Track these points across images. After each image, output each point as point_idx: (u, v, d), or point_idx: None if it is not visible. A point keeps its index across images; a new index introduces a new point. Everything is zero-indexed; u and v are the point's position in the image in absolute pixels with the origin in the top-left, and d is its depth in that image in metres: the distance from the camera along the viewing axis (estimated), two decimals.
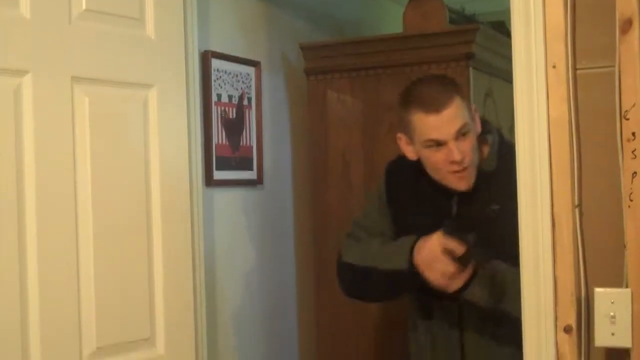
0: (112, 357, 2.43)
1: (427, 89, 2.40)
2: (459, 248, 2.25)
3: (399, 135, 2.46)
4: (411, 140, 2.41)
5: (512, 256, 2.04)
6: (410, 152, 2.45)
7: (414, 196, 2.55)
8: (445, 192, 2.44)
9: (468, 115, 2.36)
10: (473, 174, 2.38)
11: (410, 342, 2.67)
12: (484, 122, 2.50)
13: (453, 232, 2.28)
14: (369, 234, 2.58)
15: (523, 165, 1.93)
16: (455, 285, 2.29)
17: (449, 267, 2.26)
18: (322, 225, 3.66)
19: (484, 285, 2.30)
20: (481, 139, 2.46)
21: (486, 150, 2.47)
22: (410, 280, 2.36)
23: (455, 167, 2.34)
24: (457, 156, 2.30)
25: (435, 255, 2.27)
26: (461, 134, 2.32)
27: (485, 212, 2.39)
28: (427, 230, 2.36)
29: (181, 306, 2.64)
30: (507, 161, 2.12)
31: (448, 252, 2.26)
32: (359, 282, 2.53)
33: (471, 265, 2.28)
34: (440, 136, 2.31)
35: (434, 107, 2.30)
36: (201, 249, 2.82)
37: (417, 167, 2.49)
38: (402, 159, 2.54)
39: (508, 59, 2.01)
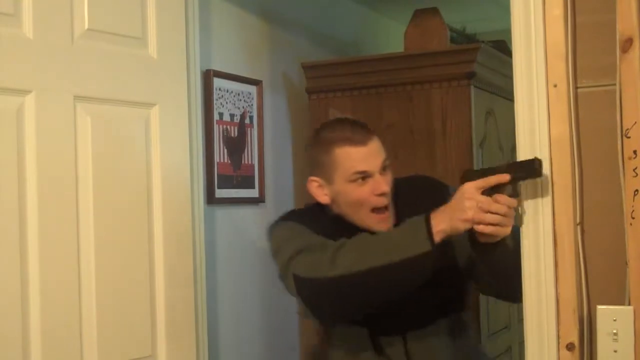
0: None
1: (348, 126, 2.34)
2: (502, 177, 1.98)
3: (311, 179, 2.35)
4: (329, 181, 2.30)
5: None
6: (323, 196, 2.33)
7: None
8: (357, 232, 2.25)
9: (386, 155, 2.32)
10: (392, 216, 2.29)
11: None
12: None
13: (474, 176, 2.07)
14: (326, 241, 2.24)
15: (524, 184, 1.93)
16: (510, 224, 2.01)
17: (509, 202, 1.97)
18: None
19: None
20: None
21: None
22: (432, 262, 2.05)
23: (382, 200, 2.26)
24: (384, 187, 2.25)
25: (482, 201, 2.00)
26: (383, 167, 2.29)
27: None
28: None
29: (183, 323, 2.64)
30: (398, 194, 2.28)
31: (490, 192, 2.01)
32: (359, 293, 2.13)
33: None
34: (368, 167, 2.26)
35: (360, 140, 2.28)
36: (203, 267, 2.82)
37: (315, 213, 2.38)
38: (291, 217, 2.42)
39: (509, 77, 2.02)
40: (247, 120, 3.41)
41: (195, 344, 2.70)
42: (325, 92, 3.67)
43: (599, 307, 1.81)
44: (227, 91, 3.28)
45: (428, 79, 3.46)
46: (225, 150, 3.27)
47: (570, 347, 1.85)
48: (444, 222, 2.03)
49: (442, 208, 2.06)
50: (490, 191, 2.00)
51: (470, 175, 2.08)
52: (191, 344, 2.68)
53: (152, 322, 2.54)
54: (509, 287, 2.07)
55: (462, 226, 2.02)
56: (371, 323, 2.29)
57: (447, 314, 2.35)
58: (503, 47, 3.76)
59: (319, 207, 2.38)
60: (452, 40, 3.75)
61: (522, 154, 1.93)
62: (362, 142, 2.28)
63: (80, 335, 2.33)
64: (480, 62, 3.45)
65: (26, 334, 2.20)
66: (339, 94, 3.65)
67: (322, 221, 2.32)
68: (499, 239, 2.04)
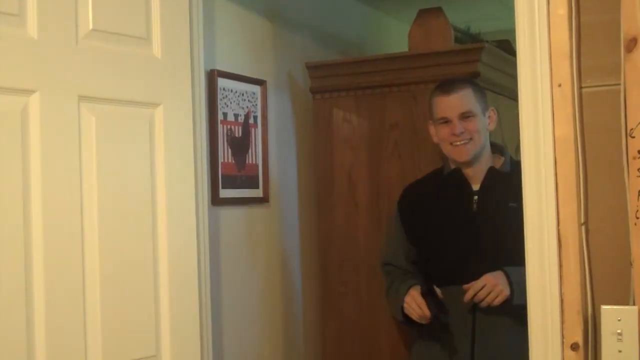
0: None
1: (448, 80, 3.04)
2: (423, 308, 2.88)
3: (429, 122, 3.10)
4: (433, 122, 3.04)
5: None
6: (434, 136, 3.05)
7: (434, 206, 3.07)
8: (466, 190, 2.98)
9: (479, 107, 2.96)
10: (472, 150, 2.94)
11: (421, 349, 3.12)
12: (500, 146, 3.10)
13: (425, 292, 2.90)
14: (394, 268, 3.18)
15: (529, 183, 1.93)
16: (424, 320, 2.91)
17: (415, 311, 2.91)
18: (328, 243, 3.66)
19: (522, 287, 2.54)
20: (496, 154, 3.06)
21: (500, 161, 3.03)
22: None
23: (457, 139, 2.93)
24: (457, 129, 2.92)
25: (409, 304, 2.94)
26: (465, 116, 2.93)
27: (503, 209, 2.79)
28: (449, 229, 3.01)
29: (187, 323, 2.64)
30: (519, 170, 2.47)
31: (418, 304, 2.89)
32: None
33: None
34: (446, 114, 2.95)
35: (445, 91, 2.97)
36: (207, 267, 2.82)
37: (433, 178, 3.16)
38: (410, 187, 3.21)
39: (513, 77, 2.02)
40: (251, 120, 3.41)
41: (199, 344, 2.69)
42: (329, 92, 3.67)
43: (604, 307, 1.81)
44: (231, 91, 3.28)
45: (432, 79, 3.45)
46: (230, 150, 3.27)
47: (574, 347, 1.85)
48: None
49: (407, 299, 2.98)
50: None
51: (424, 289, 2.92)
52: (195, 344, 2.68)
53: (156, 322, 2.53)
54: None
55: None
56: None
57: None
58: (507, 47, 3.75)
59: (440, 169, 3.15)
60: (456, 40, 3.75)
61: (527, 154, 1.93)
62: (447, 93, 2.96)
63: (85, 335, 2.33)
64: (484, 61, 3.44)
65: (30, 334, 2.20)
66: (343, 93, 3.65)
67: (438, 180, 3.12)
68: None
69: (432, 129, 3.07)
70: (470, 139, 2.94)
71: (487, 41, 3.78)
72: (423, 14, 3.69)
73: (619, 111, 1.81)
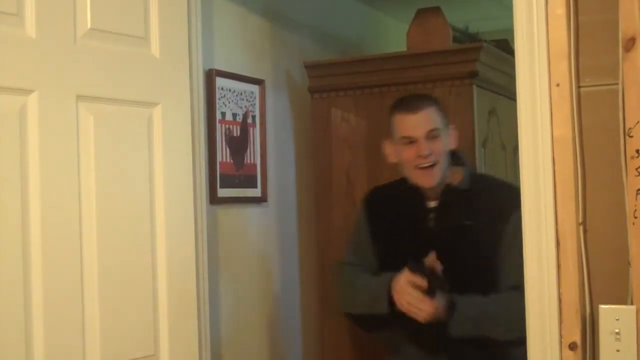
0: None
1: (409, 98, 2.88)
2: (422, 281, 2.60)
3: (386, 141, 2.87)
4: (393, 141, 2.81)
5: (484, 273, 2.63)
6: (391, 156, 2.84)
7: (394, 215, 2.91)
8: (423, 206, 2.82)
9: (441, 126, 2.77)
10: (437, 174, 2.74)
11: None
12: (459, 156, 2.89)
13: (416, 268, 2.64)
14: (359, 265, 2.98)
15: (527, 183, 1.93)
16: (425, 314, 2.61)
17: (414, 297, 2.62)
18: (326, 242, 3.66)
19: (466, 320, 2.61)
20: (455, 168, 2.85)
21: (459, 176, 2.83)
22: (394, 317, 2.71)
23: (422, 161, 2.71)
24: (425, 151, 2.69)
25: (404, 289, 2.63)
26: (432, 135, 2.72)
27: (460, 225, 2.74)
28: (408, 243, 2.82)
29: (185, 323, 2.64)
30: (479, 186, 2.73)
31: (416, 286, 2.62)
32: (363, 322, 2.97)
33: (438, 297, 2.62)
34: (412, 133, 2.73)
35: (412, 109, 2.75)
36: (205, 267, 2.82)
37: (395, 187, 2.92)
38: (376, 189, 3.08)
39: (512, 77, 2.02)
40: (249, 120, 3.41)
41: (197, 344, 2.70)
42: (328, 91, 3.67)
43: (602, 306, 1.81)
44: (230, 90, 3.28)
45: (430, 78, 3.45)
46: (228, 150, 3.26)
47: (572, 346, 1.85)
48: (396, 297, 2.68)
49: (398, 283, 2.68)
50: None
51: (411, 266, 2.67)
52: (193, 343, 2.68)
53: (155, 321, 2.53)
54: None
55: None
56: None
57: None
58: (506, 46, 3.75)
59: (400, 180, 2.89)
60: (455, 39, 3.75)
61: (525, 153, 1.93)
62: (413, 111, 2.75)
63: (83, 335, 2.33)
64: (482, 61, 3.45)
65: (29, 334, 2.20)
66: (341, 93, 3.65)
67: (398, 192, 2.88)
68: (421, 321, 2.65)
69: (388, 149, 2.86)
70: (437, 162, 2.73)
71: (485, 41, 3.78)
72: (421, 13, 3.69)
73: (617, 111, 1.81)
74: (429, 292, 2.62)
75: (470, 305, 2.63)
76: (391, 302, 2.68)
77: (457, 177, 2.83)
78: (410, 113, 2.74)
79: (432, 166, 2.71)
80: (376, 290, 2.74)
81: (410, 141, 2.72)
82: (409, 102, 2.79)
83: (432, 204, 2.80)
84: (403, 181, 2.85)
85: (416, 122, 2.73)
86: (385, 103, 3.53)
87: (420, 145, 2.70)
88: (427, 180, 2.74)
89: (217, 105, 3.20)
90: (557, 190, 1.87)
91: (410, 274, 2.63)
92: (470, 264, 2.71)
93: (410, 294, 2.62)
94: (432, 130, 2.71)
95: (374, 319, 2.80)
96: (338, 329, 3.60)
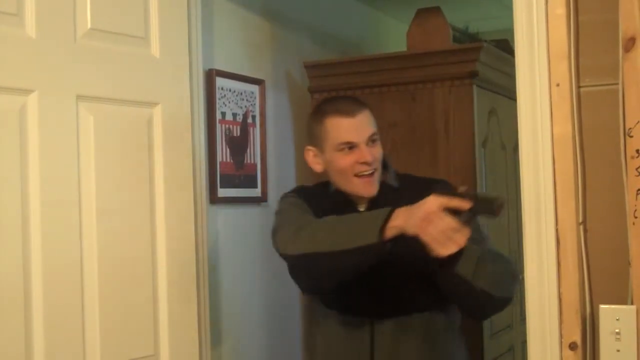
0: None
1: (341, 100, 2.57)
2: (464, 203, 2.05)
3: (308, 148, 2.53)
4: (321, 150, 2.47)
5: (427, 268, 2.22)
6: (317, 165, 2.51)
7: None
8: (351, 207, 2.44)
9: (377, 130, 2.48)
10: (376, 182, 2.43)
11: (315, 335, 2.56)
12: (385, 157, 2.54)
13: (447, 192, 2.12)
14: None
15: (527, 183, 1.93)
16: (454, 247, 2.05)
17: (451, 223, 2.04)
18: None
19: (470, 260, 2.17)
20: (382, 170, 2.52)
21: (385, 176, 2.51)
22: (379, 252, 2.15)
23: (365, 169, 2.40)
24: (368, 157, 2.39)
25: (436, 215, 2.06)
26: (371, 140, 2.43)
27: None
28: None
29: (185, 323, 2.64)
30: (405, 184, 2.49)
31: (452, 211, 2.07)
32: (313, 271, 2.32)
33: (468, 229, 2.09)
34: (353, 138, 2.40)
35: (350, 112, 2.43)
36: (205, 266, 2.82)
37: (322, 190, 2.55)
38: (304, 190, 2.62)
39: (512, 77, 2.02)
40: (249, 120, 3.41)
41: (197, 343, 2.70)
42: (328, 91, 3.67)
43: (602, 306, 1.81)
44: (230, 90, 3.28)
45: (431, 78, 3.45)
46: (228, 150, 3.26)
47: (572, 346, 1.85)
48: (401, 219, 2.11)
49: (409, 207, 2.12)
50: (450, 213, 2.04)
51: (438, 188, 2.15)
52: (194, 343, 2.68)
53: (155, 321, 2.54)
54: (463, 307, 2.40)
55: (411, 230, 2.08)
56: (339, 304, 2.44)
57: (420, 310, 2.39)
58: (506, 46, 3.75)
59: (324, 184, 2.57)
60: (455, 39, 3.75)
61: (525, 153, 1.93)
62: (352, 114, 2.42)
63: (83, 335, 2.33)
64: (482, 61, 3.44)
65: (29, 333, 2.20)
66: (341, 93, 3.65)
67: (324, 196, 2.50)
68: (442, 255, 2.06)
69: (311, 157, 2.51)
70: (376, 169, 2.43)
71: (485, 40, 3.78)
72: (421, 13, 3.69)
73: (617, 110, 1.81)
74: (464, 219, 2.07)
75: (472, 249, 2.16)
76: (382, 234, 2.12)
77: (383, 177, 2.51)
78: (349, 117, 2.42)
79: (372, 174, 2.42)
80: (364, 221, 2.22)
81: (350, 147, 2.40)
82: (342, 105, 2.47)
83: (362, 208, 2.45)
84: (327, 185, 2.54)
85: (356, 127, 2.43)
86: (386, 103, 3.55)
87: (362, 151, 2.40)
88: (368, 189, 2.42)
89: (217, 105, 3.20)
90: (557, 190, 1.87)
91: (444, 197, 2.08)
92: (411, 261, 2.30)
93: (444, 220, 2.05)
94: (372, 134, 2.44)
95: (341, 258, 2.20)
96: None
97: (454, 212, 2.04)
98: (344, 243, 2.18)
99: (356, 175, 2.41)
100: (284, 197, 2.55)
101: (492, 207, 2.02)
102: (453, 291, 2.26)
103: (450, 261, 2.11)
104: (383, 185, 2.48)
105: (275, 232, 2.40)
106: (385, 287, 2.36)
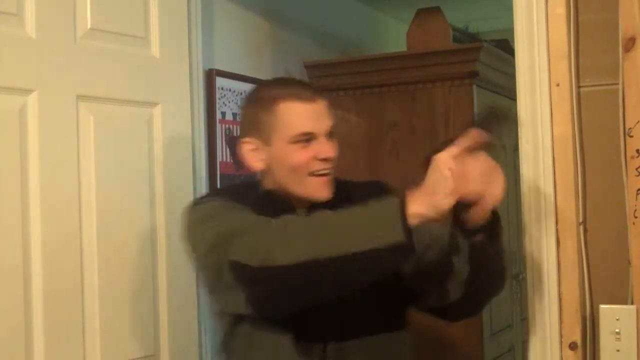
0: None
1: (294, 83, 2.10)
2: (476, 136, 1.68)
3: (245, 140, 2.03)
4: (266, 142, 1.98)
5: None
6: (256, 162, 2.02)
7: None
8: (289, 212, 1.88)
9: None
10: (332, 185, 2.00)
11: None
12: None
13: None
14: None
15: (527, 183, 1.93)
16: (500, 187, 1.68)
17: (482, 160, 1.68)
18: None
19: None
20: None
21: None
22: (406, 252, 1.65)
23: (324, 166, 1.97)
24: (330, 152, 1.97)
25: (458, 167, 1.63)
26: (331, 133, 2.01)
27: None
28: None
29: (185, 323, 2.64)
30: (345, 186, 2.06)
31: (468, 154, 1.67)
32: (314, 283, 1.73)
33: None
34: (314, 128, 1.96)
35: (309, 98, 1.97)
36: None
37: (241, 191, 2.09)
38: (215, 195, 2.17)
39: (512, 77, 2.02)
40: None
41: (198, 344, 2.70)
42: (327, 91, 3.66)
43: (602, 306, 1.82)
44: (230, 90, 3.28)
45: (430, 78, 3.45)
46: (228, 150, 3.26)
47: (573, 346, 1.85)
48: (422, 203, 1.62)
49: (418, 189, 1.64)
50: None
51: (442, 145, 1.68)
52: (194, 343, 2.68)
53: (155, 321, 2.54)
54: (482, 295, 1.92)
55: (447, 202, 1.60)
56: (292, 325, 1.91)
57: (374, 332, 1.95)
58: (506, 46, 3.75)
59: (248, 185, 2.14)
60: (455, 39, 3.75)
61: (525, 153, 1.93)
62: (311, 99, 1.97)
63: (83, 335, 2.33)
64: (482, 61, 3.44)
65: (29, 333, 2.20)
66: (341, 93, 3.65)
67: (251, 200, 1.96)
68: (488, 212, 1.68)
69: (250, 151, 2.02)
70: (334, 168, 2.02)
71: (485, 40, 3.77)
72: (421, 13, 3.69)
73: (617, 110, 1.81)
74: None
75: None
76: (406, 227, 1.61)
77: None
78: (309, 102, 1.97)
79: (328, 173, 1.99)
80: (376, 212, 1.68)
81: (308, 139, 1.95)
82: (299, 90, 2.01)
83: (302, 212, 1.96)
84: (251, 186, 2.10)
85: (317, 115, 1.98)
86: (386, 103, 3.54)
87: (323, 145, 1.97)
88: (325, 191, 1.97)
89: (217, 105, 3.19)
90: (558, 190, 1.88)
91: (449, 149, 1.65)
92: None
93: (475, 162, 1.66)
94: (332, 127, 2.01)
95: (364, 262, 1.66)
96: None
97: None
98: (359, 242, 1.65)
99: (312, 175, 1.96)
100: (204, 202, 2.01)
101: (496, 117, 1.77)
102: (480, 276, 1.81)
103: (494, 223, 1.73)
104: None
105: (228, 240, 1.77)
106: (349, 303, 1.84)
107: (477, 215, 1.67)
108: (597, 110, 1.86)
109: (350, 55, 4.12)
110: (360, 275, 1.73)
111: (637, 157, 1.78)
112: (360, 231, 1.67)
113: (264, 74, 3.53)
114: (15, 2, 2.20)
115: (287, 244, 1.71)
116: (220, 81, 3.21)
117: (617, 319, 1.79)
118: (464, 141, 1.65)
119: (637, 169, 1.78)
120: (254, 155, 2.02)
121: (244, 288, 1.76)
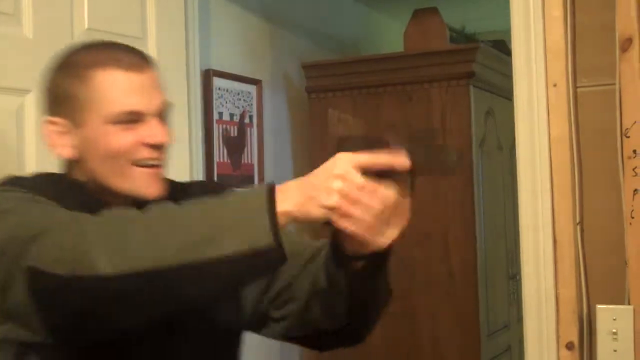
0: None
1: (116, 47, 1.62)
2: (399, 161, 1.23)
3: (52, 119, 1.56)
4: (77, 122, 1.52)
5: None
6: (63, 147, 1.55)
7: None
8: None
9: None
10: (163, 180, 1.58)
11: None
12: None
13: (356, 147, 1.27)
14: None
15: (524, 183, 1.93)
16: (394, 232, 1.25)
17: (388, 194, 1.22)
18: None
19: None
20: None
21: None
22: (277, 259, 1.25)
23: (152, 155, 1.53)
24: (161, 136, 1.54)
25: (353, 184, 1.22)
26: (162, 114, 1.58)
27: None
28: None
29: None
30: (182, 187, 1.71)
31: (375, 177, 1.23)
32: (153, 295, 1.26)
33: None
34: (141, 106, 1.52)
35: (136, 66, 1.55)
36: None
37: (43, 182, 1.59)
38: (13, 184, 1.53)
39: (509, 77, 2.02)
40: (246, 120, 3.41)
41: None
42: (325, 91, 3.67)
43: (599, 306, 1.82)
44: (227, 90, 3.28)
45: (428, 79, 3.46)
46: (225, 150, 3.26)
47: (569, 346, 1.85)
48: (292, 200, 1.24)
49: (295, 182, 1.29)
50: (374, 175, 1.23)
51: (349, 145, 1.30)
52: None
53: None
54: (357, 327, 1.57)
55: (318, 213, 1.23)
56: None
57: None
58: (503, 47, 3.76)
59: (48, 175, 1.64)
60: (452, 39, 3.75)
61: (522, 154, 1.93)
62: (138, 68, 1.55)
63: None
64: (479, 61, 3.45)
65: None
66: (338, 93, 3.65)
67: (57, 192, 1.50)
68: (369, 249, 1.28)
69: (54, 134, 1.56)
70: (166, 158, 1.60)
71: (482, 41, 3.78)
72: (418, 13, 3.70)
73: (614, 111, 1.81)
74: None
75: None
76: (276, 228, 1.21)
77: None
78: (135, 72, 1.54)
79: (159, 166, 1.56)
80: (237, 207, 1.27)
81: (133, 120, 1.51)
82: (123, 55, 1.58)
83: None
84: (55, 177, 1.62)
85: (146, 89, 1.55)
86: (383, 103, 3.55)
87: (152, 127, 1.53)
88: (154, 186, 1.53)
89: (215, 105, 3.20)
90: (554, 190, 1.88)
91: (361, 155, 1.24)
92: (220, 309, 1.58)
93: (378, 193, 1.22)
94: (164, 104, 1.60)
95: (218, 270, 1.23)
96: None
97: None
98: (212, 247, 1.22)
99: (136, 164, 1.52)
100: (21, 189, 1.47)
101: (448, 159, 1.34)
102: (358, 307, 1.45)
103: (380, 259, 1.32)
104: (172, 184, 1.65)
105: (27, 241, 1.29)
106: (179, 344, 1.51)
107: (357, 246, 1.29)
108: (594, 111, 1.86)
109: (347, 56, 4.12)
110: (214, 289, 1.32)
111: (634, 157, 1.78)
112: (215, 231, 1.24)
113: (261, 74, 3.53)
114: (12, 2, 2.20)
115: (114, 247, 1.25)
116: (217, 81, 3.21)
117: (614, 319, 1.79)
118: (383, 158, 1.24)
119: (634, 169, 1.78)
120: (60, 140, 1.56)
121: (43, 305, 1.28)
